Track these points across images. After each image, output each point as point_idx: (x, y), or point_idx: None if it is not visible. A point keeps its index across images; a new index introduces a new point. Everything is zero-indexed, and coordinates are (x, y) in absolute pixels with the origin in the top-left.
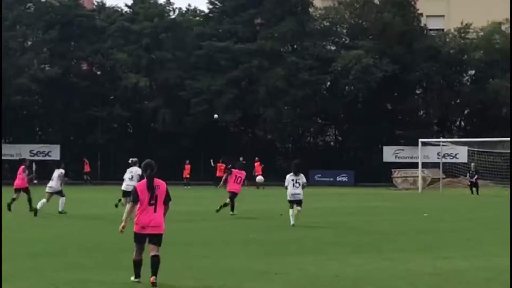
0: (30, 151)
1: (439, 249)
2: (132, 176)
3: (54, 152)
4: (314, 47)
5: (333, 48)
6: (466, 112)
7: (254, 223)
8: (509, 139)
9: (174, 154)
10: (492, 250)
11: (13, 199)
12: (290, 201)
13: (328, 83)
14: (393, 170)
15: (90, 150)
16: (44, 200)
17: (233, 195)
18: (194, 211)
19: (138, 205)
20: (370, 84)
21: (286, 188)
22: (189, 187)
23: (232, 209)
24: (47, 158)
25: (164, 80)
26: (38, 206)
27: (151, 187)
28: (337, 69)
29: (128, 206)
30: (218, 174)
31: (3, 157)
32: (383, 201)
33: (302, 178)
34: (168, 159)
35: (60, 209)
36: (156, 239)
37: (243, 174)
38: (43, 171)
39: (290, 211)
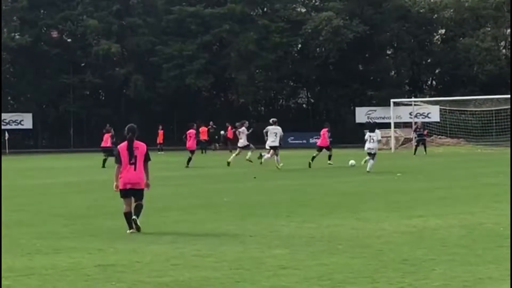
0: (3, 120)
1: (413, 208)
2: (276, 134)
3: (27, 120)
4: (285, 9)
5: (303, 10)
6: (437, 71)
7: (228, 187)
8: (480, 97)
9: (147, 120)
10: (464, 208)
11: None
12: (367, 153)
13: (299, 45)
14: (365, 130)
15: (62, 118)
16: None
17: (321, 149)
18: (169, 176)
19: (122, 165)
20: (341, 45)
21: (366, 141)
22: (162, 152)
23: (330, 158)
24: (19, 127)
25: (135, 46)
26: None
27: (130, 149)
28: (308, 31)
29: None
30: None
31: None
32: (357, 161)
33: (377, 136)
34: (141, 125)
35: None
36: (138, 193)
37: (325, 130)
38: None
39: (366, 158)
